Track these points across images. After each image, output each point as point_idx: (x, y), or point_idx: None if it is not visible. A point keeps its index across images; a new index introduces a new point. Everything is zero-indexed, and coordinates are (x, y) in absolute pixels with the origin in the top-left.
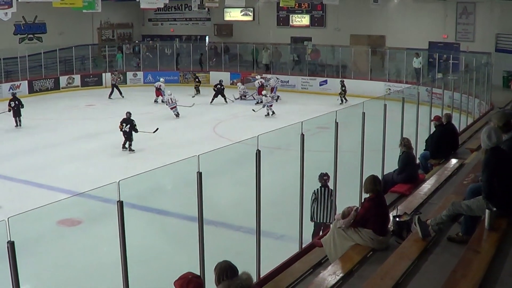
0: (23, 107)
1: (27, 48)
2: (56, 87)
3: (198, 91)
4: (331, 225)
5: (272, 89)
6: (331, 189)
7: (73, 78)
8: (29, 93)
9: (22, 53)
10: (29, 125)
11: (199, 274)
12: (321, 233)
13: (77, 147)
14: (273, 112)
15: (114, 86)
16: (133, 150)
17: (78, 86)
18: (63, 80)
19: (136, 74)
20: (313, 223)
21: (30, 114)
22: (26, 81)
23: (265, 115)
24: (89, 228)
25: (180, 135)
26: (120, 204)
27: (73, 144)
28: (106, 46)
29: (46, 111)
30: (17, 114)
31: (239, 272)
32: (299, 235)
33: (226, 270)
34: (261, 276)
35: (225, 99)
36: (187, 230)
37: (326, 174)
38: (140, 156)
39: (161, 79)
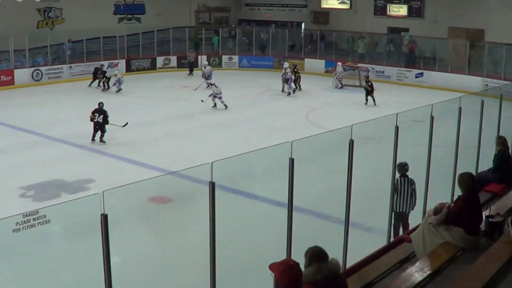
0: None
1: (126, 28)
2: (153, 67)
3: (298, 86)
4: (421, 221)
5: (287, 80)
6: (411, 179)
7: (170, 59)
8: (126, 71)
9: (121, 32)
10: (125, 103)
11: None
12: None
13: (171, 126)
14: (226, 106)
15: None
16: (104, 142)
17: (174, 67)
18: (159, 60)
19: (232, 58)
20: (393, 212)
21: (127, 92)
22: (124, 60)
23: (212, 107)
24: (179, 206)
25: (273, 120)
26: (212, 185)
27: (167, 123)
28: (203, 29)
29: (142, 90)
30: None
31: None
32: (387, 228)
33: (317, 254)
34: (347, 267)
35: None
36: (276, 216)
37: (407, 164)
38: (232, 138)
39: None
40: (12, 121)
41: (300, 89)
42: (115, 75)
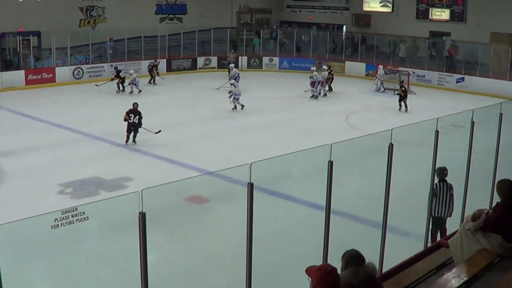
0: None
1: (167, 28)
2: (193, 67)
3: (330, 88)
4: (459, 226)
5: (321, 83)
6: (450, 184)
7: (210, 60)
8: (167, 71)
9: (163, 32)
10: (165, 102)
11: (322, 263)
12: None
13: (210, 126)
14: (242, 106)
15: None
16: (135, 142)
17: (214, 68)
18: (200, 60)
19: (272, 59)
20: (430, 217)
21: (167, 91)
22: (165, 60)
23: (232, 109)
24: (216, 207)
25: (312, 123)
26: (251, 186)
27: (206, 123)
28: (244, 30)
29: (183, 90)
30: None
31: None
32: (425, 233)
33: (355, 258)
34: (383, 271)
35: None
36: (313, 218)
37: (446, 169)
38: (271, 140)
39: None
40: (52, 118)
41: (330, 90)
42: (131, 75)
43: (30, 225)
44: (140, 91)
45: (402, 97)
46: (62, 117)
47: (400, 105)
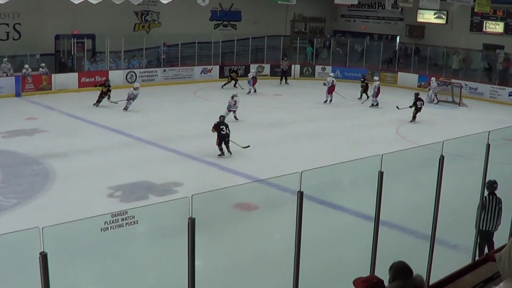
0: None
1: (221, 34)
2: (246, 74)
3: (366, 95)
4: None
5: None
6: (499, 198)
7: (263, 67)
8: (219, 77)
9: (216, 39)
10: (217, 109)
11: (369, 274)
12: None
13: (262, 134)
14: (236, 118)
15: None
16: (231, 153)
17: (267, 75)
18: (253, 68)
19: (325, 68)
20: (477, 230)
21: (219, 98)
22: (218, 66)
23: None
24: (265, 214)
25: (363, 133)
26: (301, 194)
27: (257, 131)
28: (298, 38)
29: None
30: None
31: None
32: (473, 246)
33: (402, 270)
34: (430, 284)
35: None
36: (361, 228)
37: (495, 182)
38: (321, 149)
39: (331, 74)
40: (105, 122)
41: (365, 97)
42: (135, 89)
43: (80, 227)
44: (126, 108)
45: (365, 89)
46: (113, 120)
47: (361, 96)
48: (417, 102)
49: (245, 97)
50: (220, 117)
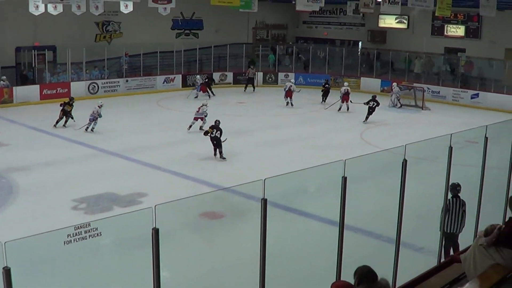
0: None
1: (183, 43)
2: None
3: (324, 99)
4: (472, 242)
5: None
6: (463, 200)
7: (226, 75)
8: (182, 86)
9: (179, 47)
10: (180, 118)
11: (336, 279)
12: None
13: (226, 142)
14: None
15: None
16: (225, 158)
17: (230, 83)
18: (216, 76)
19: (288, 75)
20: (442, 233)
21: (182, 107)
22: (180, 75)
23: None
24: (230, 222)
25: (327, 138)
26: (264, 202)
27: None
28: (260, 46)
29: (198, 105)
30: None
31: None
32: (438, 249)
33: (366, 275)
34: (396, 287)
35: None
36: (327, 234)
37: (459, 185)
38: (286, 156)
39: (291, 80)
40: (67, 134)
41: (330, 102)
42: (100, 107)
43: (43, 241)
44: (93, 129)
45: (325, 93)
46: (76, 132)
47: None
48: (370, 102)
49: (210, 106)
50: (215, 122)
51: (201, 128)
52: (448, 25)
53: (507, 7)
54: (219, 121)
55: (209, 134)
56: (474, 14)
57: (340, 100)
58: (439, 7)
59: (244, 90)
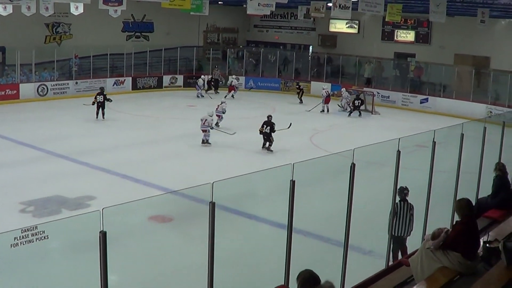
0: (110, 101)
1: (133, 45)
2: (159, 85)
3: (301, 100)
4: (420, 245)
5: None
6: (411, 204)
7: (176, 78)
8: (132, 89)
9: (129, 50)
10: (130, 120)
11: (284, 282)
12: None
13: (175, 145)
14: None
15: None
16: (272, 151)
17: (180, 86)
18: (166, 79)
19: (238, 79)
20: (390, 236)
21: (132, 109)
22: (131, 78)
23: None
24: (179, 226)
25: (276, 142)
26: (213, 205)
27: (170, 142)
28: (211, 49)
29: (148, 108)
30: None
31: (322, 281)
32: (386, 252)
33: (308, 280)
34: None
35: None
36: (276, 237)
37: (406, 188)
38: (235, 159)
39: (234, 76)
40: (15, 136)
41: (301, 102)
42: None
43: None
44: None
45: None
46: (25, 134)
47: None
48: (355, 101)
49: (160, 109)
50: (268, 117)
51: (217, 124)
52: (398, 31)
53: (456, 13)
54: (271, 116)
55: (262, 130)
56: (424, 20)
57: (322, 102)
58: (389, 12)
59: (216, 92)
